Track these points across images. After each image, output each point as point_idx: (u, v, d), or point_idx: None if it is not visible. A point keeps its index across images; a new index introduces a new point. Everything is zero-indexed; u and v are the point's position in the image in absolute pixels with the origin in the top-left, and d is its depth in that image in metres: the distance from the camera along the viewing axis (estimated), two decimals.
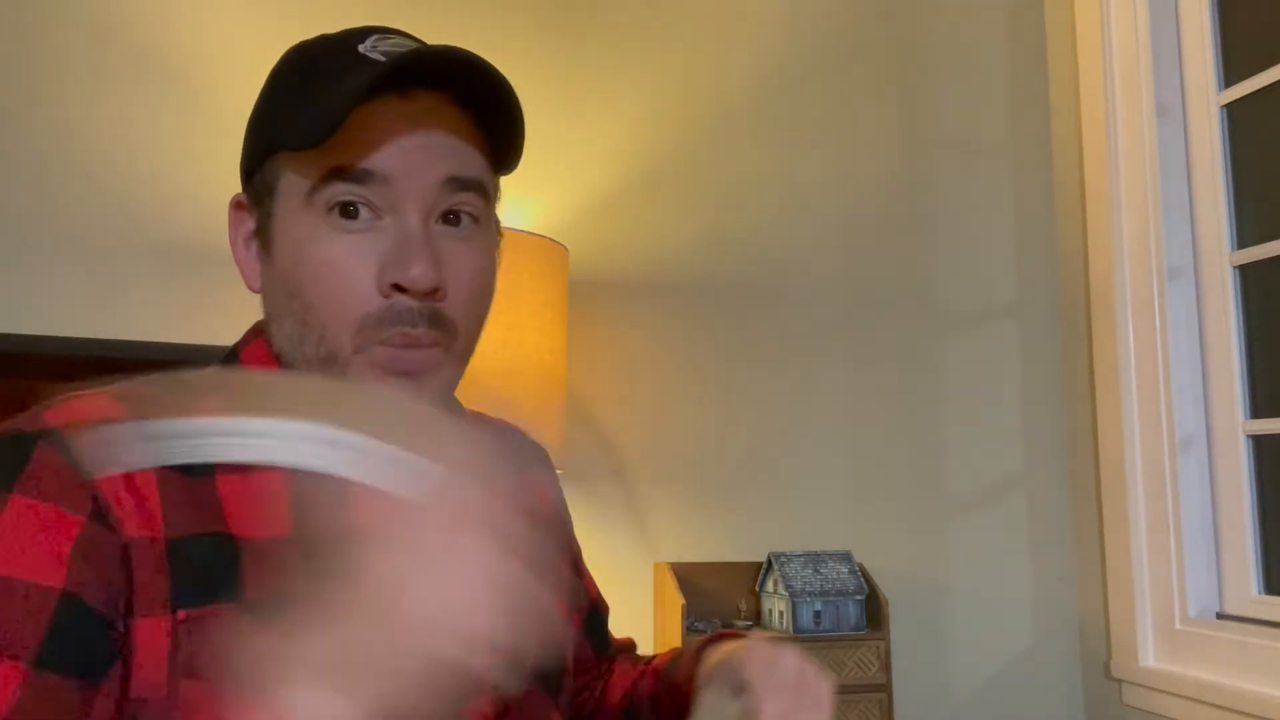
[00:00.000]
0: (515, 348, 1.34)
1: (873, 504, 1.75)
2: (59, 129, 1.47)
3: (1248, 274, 1.60)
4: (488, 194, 0.64)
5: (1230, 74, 1.63)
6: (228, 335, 1.45)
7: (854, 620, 1.53)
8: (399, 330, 0.59)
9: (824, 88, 1.83)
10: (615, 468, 1.65)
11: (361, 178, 0.59)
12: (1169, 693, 1.56)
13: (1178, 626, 1.58)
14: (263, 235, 0.64)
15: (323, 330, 0.60)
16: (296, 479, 0.59)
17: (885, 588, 1.72)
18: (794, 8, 1.83)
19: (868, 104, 1.85)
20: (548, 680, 0.71)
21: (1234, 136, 1.62)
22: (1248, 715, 1.41)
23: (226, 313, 1.47)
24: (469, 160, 0.62)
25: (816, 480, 1.73)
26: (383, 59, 0.61)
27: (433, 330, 0.60)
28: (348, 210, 0.59)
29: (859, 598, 1.53)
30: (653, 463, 1.66)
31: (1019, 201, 1.90)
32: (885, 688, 1.51)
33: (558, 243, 1.45)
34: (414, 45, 0.64)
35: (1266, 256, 1.55)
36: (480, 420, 0.81)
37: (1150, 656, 1.63)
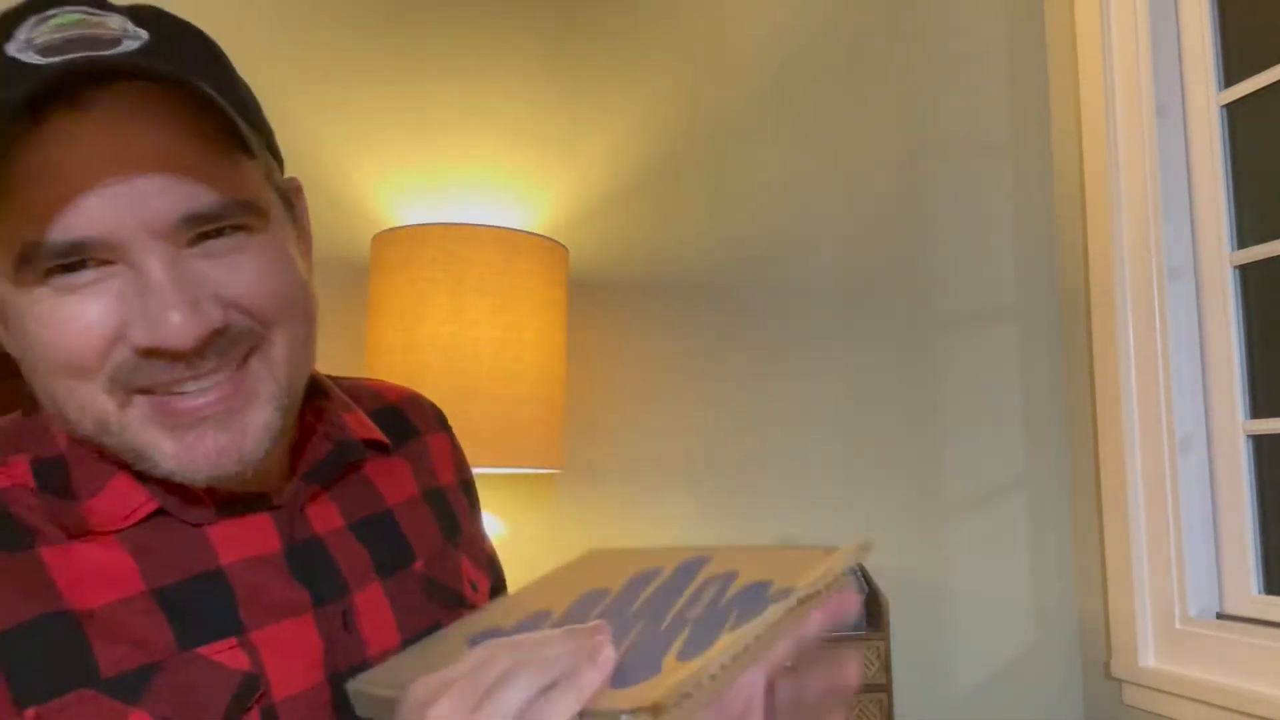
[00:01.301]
0: (515, 348, 1.34)
1: (873, 504, 1.75)
2: None
3: (1248, 274, 1.60)
4: (254, 206, 0.51)
5: (1230, 74, 1.63)
6: None
7: (854, 620, 1.53)
8: (162, 379, 0.49)
9: (824, 88, 1.83)
10: (615, 468, 1.65)
11: (70, 250, 0.46)
12: (1169, 693, 1.56)
13: (1178, 626, 1.58)
14: None
15: (78, 400, 0.49)
16: (133, 535, 0.52)
17: (885, 588, 1.72)
18: (794, 8, 1.83)
19: (868, 104, 1.85)
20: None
21: (1234, 136, 1.62)
22: (1248, 715, 1.41)
23: None
24: (207, 184, 0.48)
25: (816, 480, 1.73)
26: (38, 60, 0.46)
27: (217, 358, 0.49)
28: (68, 268, 0.47)
29: (859, 598, 1.53)
30: (653, 463, 1.66)
31: (1019, 201, 1.90)
32: (885, 688, 1.51)
33: (558, 243, 1.45)
34: (79, 25, 0.48)
35: (1266, 256, 1.55)
36: (363, 395, 0.71)
37: (1150, 656, 1.63)
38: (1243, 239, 1.60)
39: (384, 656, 0.57)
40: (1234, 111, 1.63)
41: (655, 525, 1.65)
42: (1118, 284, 1.71)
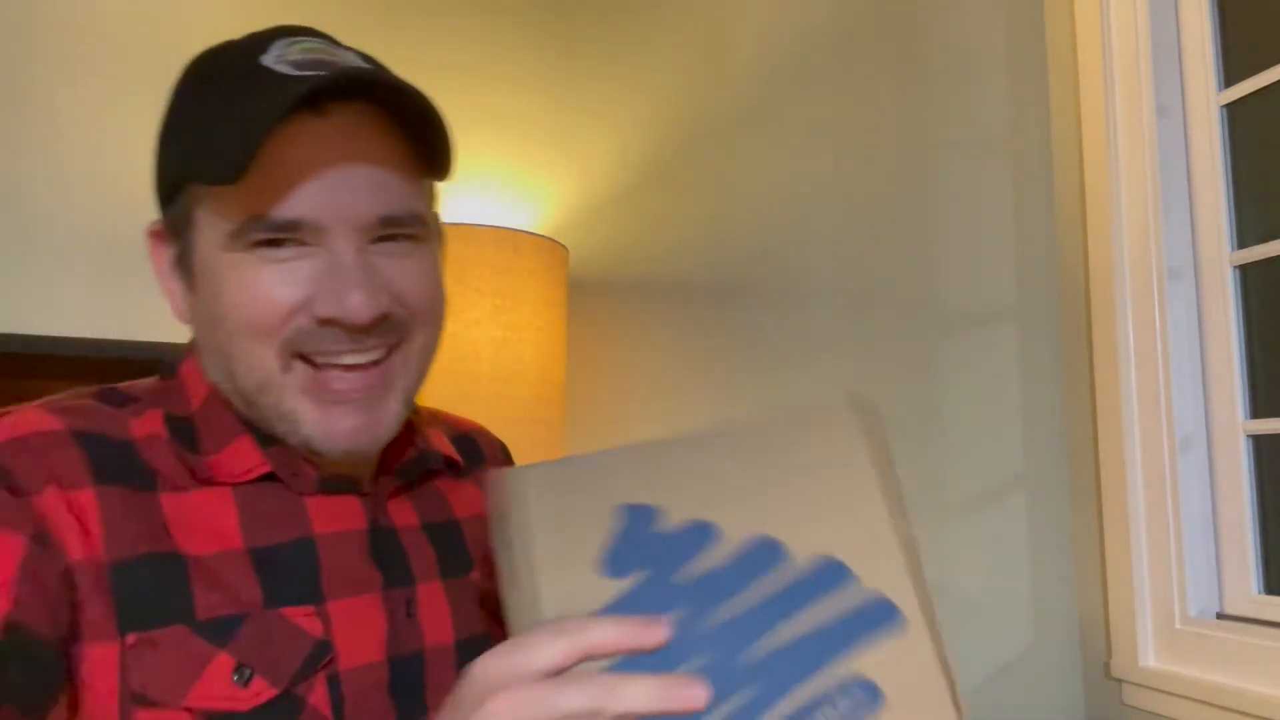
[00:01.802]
0: (515, 348, 1.34)
1: None
2: (60, 130, 1.47)
3: (1248, 274, 1.60)
4: (424, 220, 0.61)
5: (1230, 74, 1.63)
6: None
7: None
8: (332, 350, 0.57)
9: (824, 87, 1.83)
10: None
11: (285, 227, 0.56)
12: (1169, 693, 1.56)
13: (1178, 626, 1.58)
14: (184, 267, 0.61)
15: (249, 358, 0.58)
16: (244, 491, 0.59)
17: None
18: (794, 8, 1.83)
19: (868, 104, 1.85)
20: None
21: (1234, 136, 1.62)
22: (1248, 715, 1.41)
23: None
24: (401, 193, 0.59)
25: None
26: (293, 72, 0.56)
27: (366, 351, 0.58)
28: (273, 243, 0.57)
29: None
30: None
31: (1019, 201, 1.90)
32: None
33: (558, 243, 1.45)
34: (321, 51, 0.59)
35: (1266, 256, 1.55)
36: (442, 421, 0.79)
37: (1150, 656, 1.63)
38: (1243, 239, 1.60)
39: (439, 650, 0.63)
40: (1234, 111, 1.63)
41: None
42: (1118, 284, 1.71)
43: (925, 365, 1.81)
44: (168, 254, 0.62)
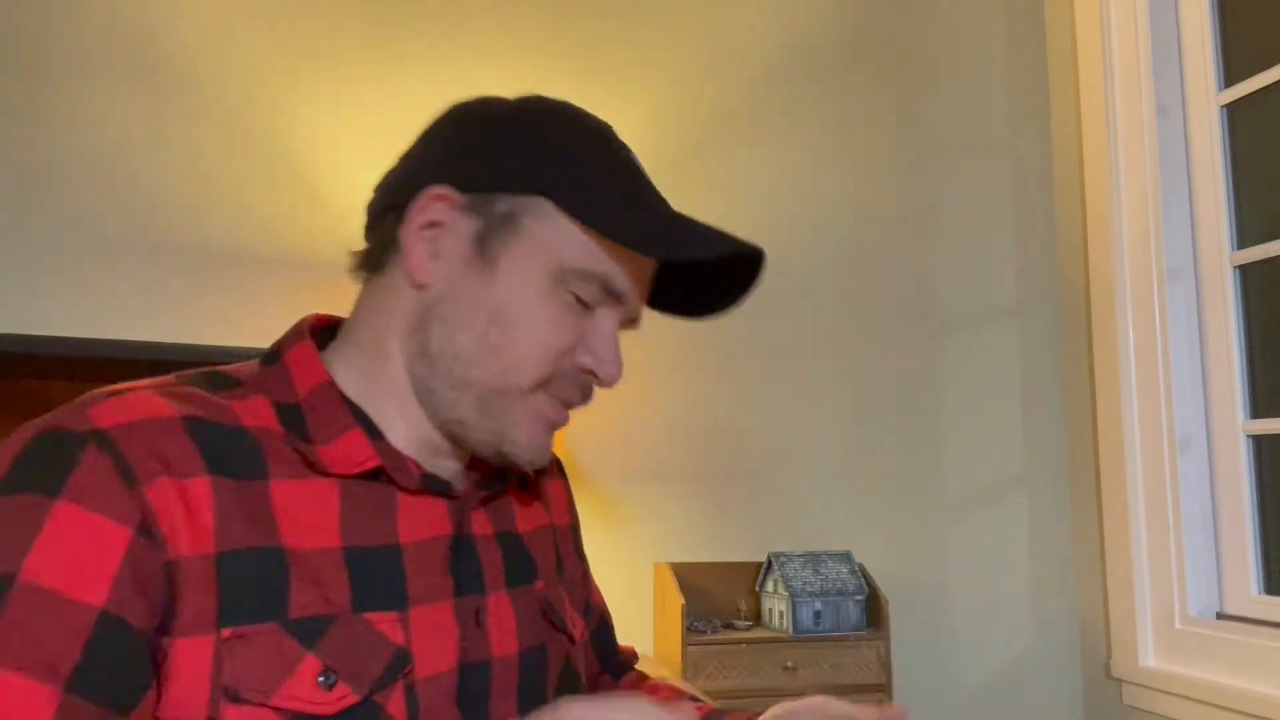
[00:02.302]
0: None
1: (873, 504, 1.75)
2: (60, 130, 1.47)
3: (1248, 274, 1.60)
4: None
5: (1230, 74, 1.63)
6: (228, 335, 1.45)
7: (854, 620, 1.53)
8: (574, 394, 0.66)
9: (824, 89, 1.83)
10: (616, 468, 1.65)
11: (614, 294, 0.64)
12: (1169, 693, 1.56)
13: (1178, 626, 1.58)
14: (480, 246, 0.63)
15: (512, 365, 0.62)
16: (348, 485, 0.60)
17: (885, 588, 1.72)
18: (794, 10, 1.83)
19: (868, 105, 1.85)
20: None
21: (1234, 136, 1.62)
22: (1248, 715, 1.41)
23: (225, 313, 1.47)
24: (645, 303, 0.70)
25: (816, 480, 1.73)
26: (649, 180, 0.67)
27: (585, 401, 0.68)
28: (583, 303, 0.64)
29: (859, 598, 1.53)
30: (653, 462, 1.66)
31: (1019, 201, 1.90)
32: (885, 688, 1.51)
33: None
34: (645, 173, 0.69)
35: (1266, 256, 1.55)
36: None
37: (1150, 656, 1.63)
38: (1243, 239, 1.60)
39: (504, 661, 0.64)
40: (1234, 111, 1.63)
41: (655, 525, 1.65)
42: (1118, 284, 1.71)
43: (925, 365, 1.81)
44: (437, 217, 0.63)
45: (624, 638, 1.72)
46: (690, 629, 1.49)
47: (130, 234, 1.48)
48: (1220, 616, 1.58)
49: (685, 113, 1.76)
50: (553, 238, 0.62)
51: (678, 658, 1.46)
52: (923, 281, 1.83)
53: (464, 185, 0.63)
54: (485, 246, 0.62)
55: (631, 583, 1.63)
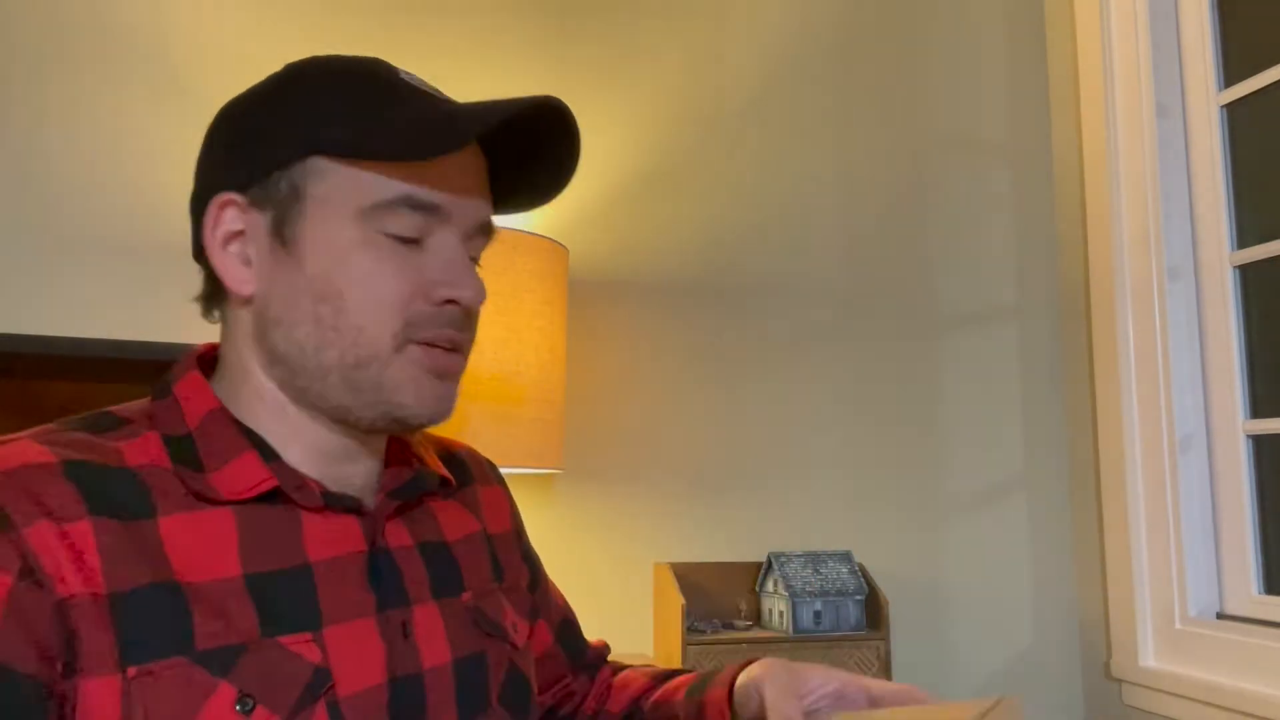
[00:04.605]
0: (515, 348, 1.34)
1: (873, 504, 1.75)
2: (59, 130, 1.47)
3: (1248, 274, 1.60)
4: (489, 240, 0.69)
5: (1230, 74, 1.63)
6: None
7: (854, 620, 1.53)
8: (446, 332, 0.62)
9: (824, 87, 1.83)
10: (615, 468, 1.65)
11: (427, 209, 0.61)
12: (1169, 693, 1.56)
13: (1178, 626, 1.58)
14: (280, 237, 0.61)
15: (357, 334, 0.60)
16: (246, 511, 0.58)
17: (885, 588, 1.72)
18: (794, 8, 1.83)
19: (868, 104, 1.85)
20: (515, 707, 0.70)
21: (1234, 136, 1.62)
22: (1248, 715, 1.41)
23: None
24: (489, 210, 0.67)
25: (816, 480, 1.73)
26: (429, 92, 0.64)
27: (465, 334, 0.64)
28: (401, 240, 0.61)
29: (859, 598, 1.53)
30: (652, 463, 1.66)
31: (1019, 201, 1.90)
32: None
33: (558, 243, 1.45)
34: (429, 88, 0.65)
35: (1266, 256, 1.55)
36: (432, 441, 0.81)
37: (1150, 656, 1.63)
38: (1243, 239, 1.60)
39: (438, 671, 0.63)
40: (1234, 111, 1.63)
41: (655, 525, 1.65)
42: (1118, 284, 1.71)
43: (925, 365, 1.81)
44: (230, 226, 0.62)
45: (624, 638, 1.72)
46: (690, 629, 1.49)
47: (131, 234, 1.48)
48: (1220, 616, 1.58)
49: (682, 113, 1.76)
50: (338, 189, 0.60)
51: (678, 658, 1.46)
52: (923, 281, 1.83)
53: (243, 183, 0.62)
54: (283, 232, 0.61)
55: (631, 583, 1.63)
